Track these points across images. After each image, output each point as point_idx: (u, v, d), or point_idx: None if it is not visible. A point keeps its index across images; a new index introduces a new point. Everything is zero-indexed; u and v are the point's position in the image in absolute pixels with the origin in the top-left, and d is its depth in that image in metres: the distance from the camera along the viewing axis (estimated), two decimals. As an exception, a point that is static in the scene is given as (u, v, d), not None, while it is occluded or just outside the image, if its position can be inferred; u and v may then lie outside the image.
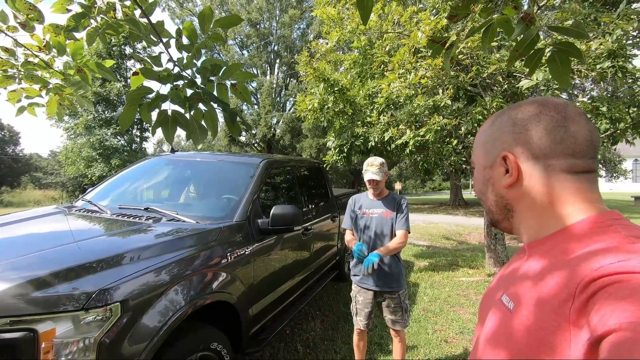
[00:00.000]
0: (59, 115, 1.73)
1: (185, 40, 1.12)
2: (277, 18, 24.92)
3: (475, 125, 3.68)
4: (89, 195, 3.10)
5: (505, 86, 3.89)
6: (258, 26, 24.68)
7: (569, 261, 0.50)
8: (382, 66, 4.55)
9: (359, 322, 2.46)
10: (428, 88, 4.05)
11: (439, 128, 4.02)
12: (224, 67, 1.18)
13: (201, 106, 1.18)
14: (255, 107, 26.98)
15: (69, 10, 1.39)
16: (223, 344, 2.12)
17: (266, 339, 2.66)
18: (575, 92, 6.23)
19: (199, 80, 1.20)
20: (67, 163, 20.09)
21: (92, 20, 1.42)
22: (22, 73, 1.40)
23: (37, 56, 1.44)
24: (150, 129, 1.18)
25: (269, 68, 26.65)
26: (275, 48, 25.96)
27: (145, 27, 1.33)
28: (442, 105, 4.23)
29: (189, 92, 1.15)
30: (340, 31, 5.04)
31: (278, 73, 26.18)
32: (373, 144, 5.10)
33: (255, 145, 27.87)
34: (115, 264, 1.75)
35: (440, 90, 4.07)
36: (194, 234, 2.20)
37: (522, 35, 0.89)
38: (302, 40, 24.87)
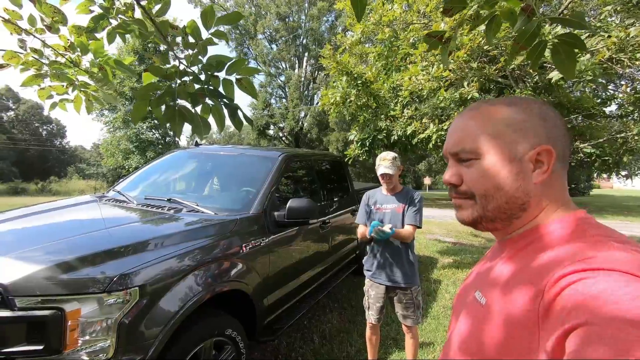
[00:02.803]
0: (87, 109, 1.85)
1: (190, 39, 1.16)
2: (306, 11, 24.89)
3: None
4: (119, 186, 3.29)
5: (537, 78, 3.69)
6: (287, 19, 24.77)
7: (539, 259, 0.51)
8: (405, 59, 4.46)
9: (371, 316, 2.47)
10: (451, 81, 3.93)
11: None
12: (228, 63, 1.20)
13: (209, 101, 1.23)
14: (284, 100, 27.24)
15: (92, 11, 1.48)
16: (237, 331, 2.21)
17: (281, 329, 2.73)
18: (622, 82, 5.81)
19: (204, 77, 1.24)
20: (106, 155, 21.29)
21: (112, 20, 1.51)
22: (50, 72, 1.51)
23: (63, 56, 1.54)
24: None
25: (297, 61, 26.76)
26: (304, 41, 25.98)
27: (162, 24, 1.39)
28: (469, 98, 4.09)
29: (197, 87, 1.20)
30: (363, 23, 4.98)
31: (306, 66, 26.23)
32: (396, 137, 5.03)
33: (283, 138, 28.19)
34: (136, 251, 1.86)
35: (465, 83, 3.93)
36: (211, 225, 2.29)
37: (523, 28, 0.85)
38: (330, 32, 24.73)
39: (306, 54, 25.97)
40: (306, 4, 24.84)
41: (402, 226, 2.33)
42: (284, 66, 27.00)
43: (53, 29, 1.40)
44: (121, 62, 1.52)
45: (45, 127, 46.26)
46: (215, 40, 1.22)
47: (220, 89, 1.25)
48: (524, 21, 0.88)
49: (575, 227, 0.54)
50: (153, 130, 21.38)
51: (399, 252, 2.35)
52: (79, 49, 1.51)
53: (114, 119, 20.73)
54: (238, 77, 1.25)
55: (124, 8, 1.51)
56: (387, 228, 2.17)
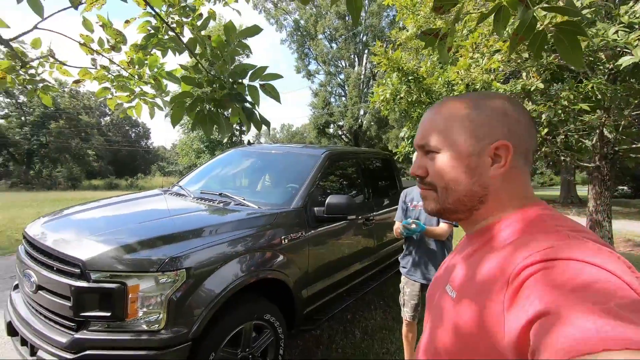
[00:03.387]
0: (150, 115, 2.15)
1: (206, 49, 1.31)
2: (366, 7, 24.68)
3: (560, 112, 3.20)
4: (182, 181, 3.69)
5: (610, 65, 3.29)
6: (346, 18, 24.80)
7: (505, 250, 0.53)
8: (456, 51, 4.27)
9: (406, 313, 2.46)
10: (505, 73, 3.67)
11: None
12: (251, 71, 1.34)
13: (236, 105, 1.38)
14: (343, 99, 27.38)
15: (149, 30, 1.73)
16: (276, 317, 2.38)
17: (320, 320, 2.85)
18: None
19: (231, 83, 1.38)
20: (182, 154, 23.48)
21: (166, 36, 1.74)
22: (116, 84, 1.79)
23: (126, 70, 1.82)
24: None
25: (357, 59, 26.69)
26: (364, 38, 25.80)
27: (203, 39, 1.58)
28: (532, 89, 3.78)
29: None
30: (414, 17, 4.86)
31: (366, 63, 26.02)
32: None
33: (342, 136, 28.35)
34: (186, 238, 2.11)
35: (524, 74, 3.64)
36: (253, 217, 2.49)
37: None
38: (391, 28, 24.22)
39: (366, 51, 25.75)
40: (366, 1, 24.63)
41: (438, 224, 2.29)
42: (343, 64, 27.11)
43: (116, 48, 1.66)
44: (171, 73, 1.75)
45: (133, 130, 52.44)
46: (239, 50, 1.35)
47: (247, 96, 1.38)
48: (522, 11, 0.86)
49: (536, 220, 0.56)
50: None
51: (434, 250, 2.31)
52: (137, 64, 1.76)
53: (188, 121, 22.79)
54: (261, 82, 1.38)
55: (174, 25, 1.74)
56: (412, 225, 2.16)
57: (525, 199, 0.61)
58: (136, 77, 1.86)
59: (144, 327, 1.85)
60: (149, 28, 1.67)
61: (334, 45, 26.94)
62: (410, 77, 5.08)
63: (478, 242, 0.61)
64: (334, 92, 27.85)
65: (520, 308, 0.43)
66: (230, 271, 2.14)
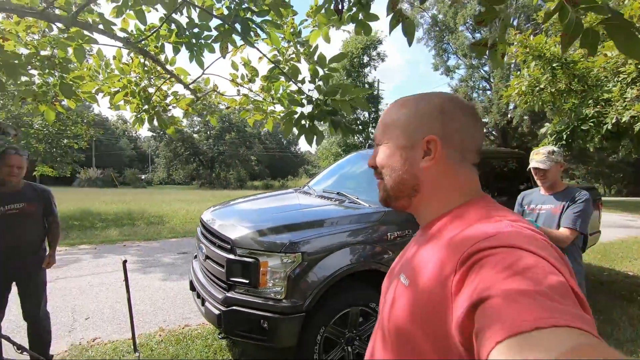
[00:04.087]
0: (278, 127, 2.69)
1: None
2: (518, -15, 21.68)
3: None
4: (311, 182, 4.27)
5: None
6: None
7: (452, 239, 0.57)
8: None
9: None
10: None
11: None
12: (341, 89, 1.62)
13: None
14: (488, 93, 24.75)
15: (273, 62, 2.22)
16: (381, 307, 2.58)
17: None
18: None
19: (327, 101, 1.70)
20: (322, 158, 25.68)
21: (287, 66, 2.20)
22: (254, 106, 2.35)
23: (259, 95, 2.36)
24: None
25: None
26: (515, 22, 22.69)
27: (292, 71, 1.96)
28: None
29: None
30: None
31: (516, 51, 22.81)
32: (610, 127, 4.01)
33: (487, 134, 25.61)
34: (305, 227, 2.55)
35: None
36: (362, 214, 2.76)
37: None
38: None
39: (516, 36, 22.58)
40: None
41: (558, 229, 2.06)
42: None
43: (252, 80, 2.20)
44: (291, 94, 2.19)
45: (284, 138, 60.12)
46: (333, 73, 1.65)
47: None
48: (572, 12, 0.86)
49: (480, 212, 0.61)
50: (357, 135, 24.19)
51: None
52: (266, 90, 2.28)
53: (325, 129, 24.82)
54: (350, 97, 1.65)
55: (293, 56, 2.18)
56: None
57: (470, 193, 0.65)
58: (268, 99, 2.39)
59: (271, 295, 2.36)
60: (273, 62, 2.16)
61: (477, 35, 24.65)
62: (555, 64, 4.42)
63: (429, 234, 0.65)
64: (476, 87, 25.48)
65: (465, 293, 0.47)
66: (340, 259, 2.46)
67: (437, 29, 25.75)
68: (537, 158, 2.12)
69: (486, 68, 24.23)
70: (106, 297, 4.14)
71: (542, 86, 4.31)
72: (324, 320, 2.39)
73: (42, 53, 1.83)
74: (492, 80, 23.68)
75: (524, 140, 21.95)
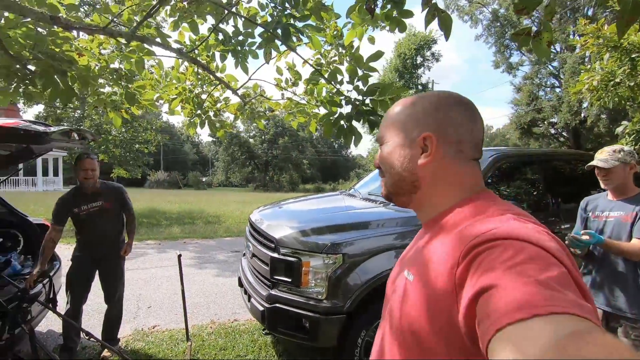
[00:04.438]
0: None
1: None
2: (592, -28, 19.60)
3: None
4: (357, 184, 4.25)
5: None
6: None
7: (456, 233, 0.58)
8: None
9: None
10: None
11: None
12: (379, 88, 1.61)
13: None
14: (557, 90, 22.65)
15: (312, 65, 2.26)
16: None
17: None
18: None
19: (367, 101, 1.70)
20: (372, 161, 25.38)
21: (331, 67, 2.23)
22: (297, 110, 2.42)
23: (303, 98, 2.42)
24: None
25: (579, 38, 21.53)
26: (589, 12, 20.54)
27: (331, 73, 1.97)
28: None
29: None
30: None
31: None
32: None
33: (556, 136, 23.44)
34: (347, 229, 2.54)
35: None
36: (405, 217, 2.68)
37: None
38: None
39: (587, 27, 20.39)
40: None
41: (629, 239, 1.82)
42: (557, 49, 22.46)
43: (295, 84, 2.26)
44: (330, 96, 2.22)
45: (337, 142, 60.54)
46: (370, 73, 1.65)
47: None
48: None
49: (482, 206, 0.61)
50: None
51: (621, 272, 1.84)
52: (309, 93, 2.33)
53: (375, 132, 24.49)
54: (391, 97, 1.63)
55: (336, 59, 2.21)
56: (584, 236, 1.80)
57: (471, 188, 0.66)
58: (312, 102, 2.44)
59: (312, 295, 2.39)
60: (316, 66, 2.20)
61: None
62: (635, 55, 3.93)
63: (432, 230, 0.66)
64: (543, 84, 23.46)
65: (468, 284, 0.48)
66: (384, 262, 2.42)
67: (499, 24, 24.21)
68: (600, 156, 1.91)
69: (555, 63, 22.24)
70: (166, 288, 4.50)
71: (617, 80, 3.85)
72: (365, 323, 2.37)
73: (112, 66, 2.09)
74: (562, 76, 21.64)
75: (601, 141, 19.68)
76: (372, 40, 2.25)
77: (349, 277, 2.34)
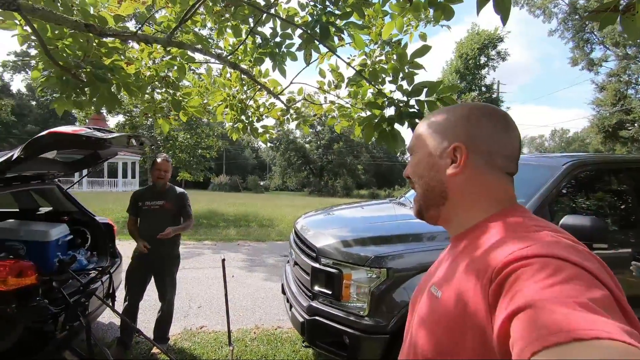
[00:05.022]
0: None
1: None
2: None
3: None
4: (408, 192, 4.00)
5: None
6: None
7: (488, 249, 0.55)
8: None
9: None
10: None
11: None
12: (426, 87, 1.45)
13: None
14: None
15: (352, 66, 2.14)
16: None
17: None
18: None
19: (412, 102, 1.53)
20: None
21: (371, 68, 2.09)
22: (339, 113, 2.30)
23: (347, 100, 2.30)
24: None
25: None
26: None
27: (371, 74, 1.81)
28: None
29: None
30: None
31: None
32: None
33: (650, 140, 20.38)
34: (392, 241, 2.36)
35: None
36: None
37: None
38: None
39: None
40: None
41: None
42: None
43: (338, 86, 2.16)
44: (370, 98, 2.07)
45: (365, 143, 59.20)
46: (416, 70, 1.49)
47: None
48: None
49: (516, 221, 0.58)
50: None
51: None
52: (353, 96, 2.20)
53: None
54: (440, 96, 1.45)
55: (382, 58, 2.06)
56: None
57: (503, 202, 0.63)
58: (357, 105, 2.31)
59: (354, 310, 2.24)
60: (360, 67, 2.07)
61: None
62: None
63: (462, 244, 0.64)
64: (633, 81, 20.59)
65: (502, 303, 0.45)
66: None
67: (577, 17, 21.84)
68: None
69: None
70: (216, 289, 4.63)
71: None
72: (411, 346, 2.15)
73: (161, 74, 2.18)
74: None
75: None
76: (423, 37, 2.07)
77: (395, 293, 2.16)
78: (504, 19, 0.94)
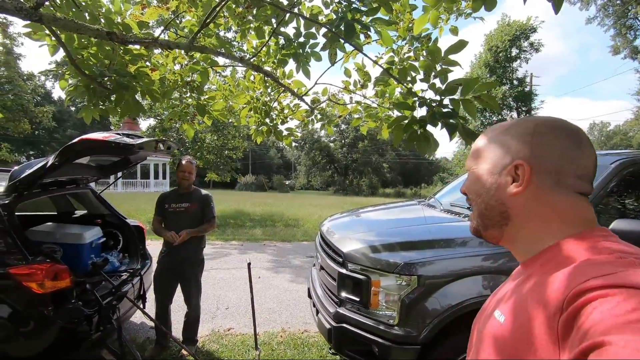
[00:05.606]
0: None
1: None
2: None
3: None
4: (438, 194, 3.84)
5: None
6: None
7: (560, 275, 0.51)
8: None
9: None
10: None
11: None
12: (461, 85, 1.34)
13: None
14: None
15: (379, 64, 2.04)
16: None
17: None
18: None
19: (446, 101, 1.43)
20: (459, 165, 23.56)
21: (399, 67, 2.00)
22: (365, 113, 2.22)
23: (373, 101, 2.21)
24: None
25: None
26: None
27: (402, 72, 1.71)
28: None
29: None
30: None
31: None
32: None
33: None
34: (423, 247, 2.25)
35: None
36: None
37: None
38: None
39: None
40: None
41: None
42: None
43: (364, 86, 2.07)
44: (399, 98, 1.97)
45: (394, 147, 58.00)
46: (451, 68, 1.38)
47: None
48: None
49: (595, 246, 0.53)
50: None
51: None
52: (380, 96, 2.11)
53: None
54: (476, 95, 1.34)
55: (410, 55, 1.96)
56: None
57: (577, 225, 0.58)
58: (385, 104, 2.22)
59: (383, 318, 2.15)
60: (388, 64, 1.97)
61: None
62: None
63: (531, 269, 0.59)
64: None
65: (575, 336, 0.42)
66: (466, 287, 2.07)
67: (619, 1, 20.46)
68: None
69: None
70: (243, 290, 4.66)
71: None
72: (445, 357, 2.04)
73: (186, 79, 2.19)
74: None
75: None
76: (454, 31, 1.95)
77: (426, 302, 2.05)
78: (557, 7, 0.83)
